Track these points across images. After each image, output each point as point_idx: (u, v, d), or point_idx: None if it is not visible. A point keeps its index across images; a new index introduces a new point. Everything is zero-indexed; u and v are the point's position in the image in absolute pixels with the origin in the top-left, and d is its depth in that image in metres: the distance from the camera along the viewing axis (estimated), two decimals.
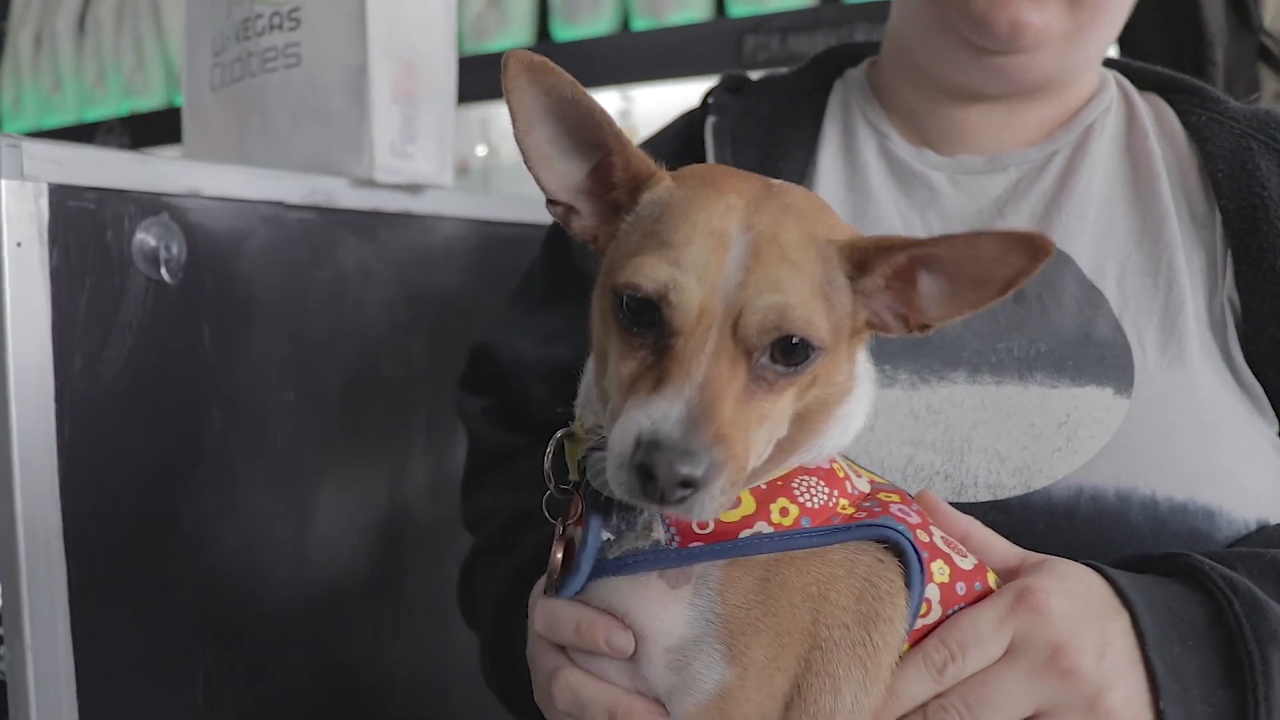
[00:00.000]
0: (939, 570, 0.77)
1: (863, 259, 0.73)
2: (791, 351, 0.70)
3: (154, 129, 3.87)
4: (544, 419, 1.19)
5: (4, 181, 1.15)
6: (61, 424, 1.22)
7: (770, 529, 0.75)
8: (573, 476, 0.83)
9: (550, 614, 0.82)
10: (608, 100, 4.90)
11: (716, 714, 0.74)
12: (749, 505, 0.75)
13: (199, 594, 1.37)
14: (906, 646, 0.76)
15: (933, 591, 0.76)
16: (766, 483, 0.77)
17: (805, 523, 0.75)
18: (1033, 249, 0.68)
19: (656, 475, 0.65)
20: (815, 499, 0.77)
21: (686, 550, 0.75)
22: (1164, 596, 0.81)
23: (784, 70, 1.25)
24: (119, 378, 1.27)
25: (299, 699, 1.50)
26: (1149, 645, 0.77)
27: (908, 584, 0.76)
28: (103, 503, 1.26)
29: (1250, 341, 0.98)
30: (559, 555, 0.81)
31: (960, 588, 0.78)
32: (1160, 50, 1.54)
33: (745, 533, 0.75)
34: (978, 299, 0.73)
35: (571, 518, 0.83)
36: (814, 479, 0.78)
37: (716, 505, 0.68)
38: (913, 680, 0.75)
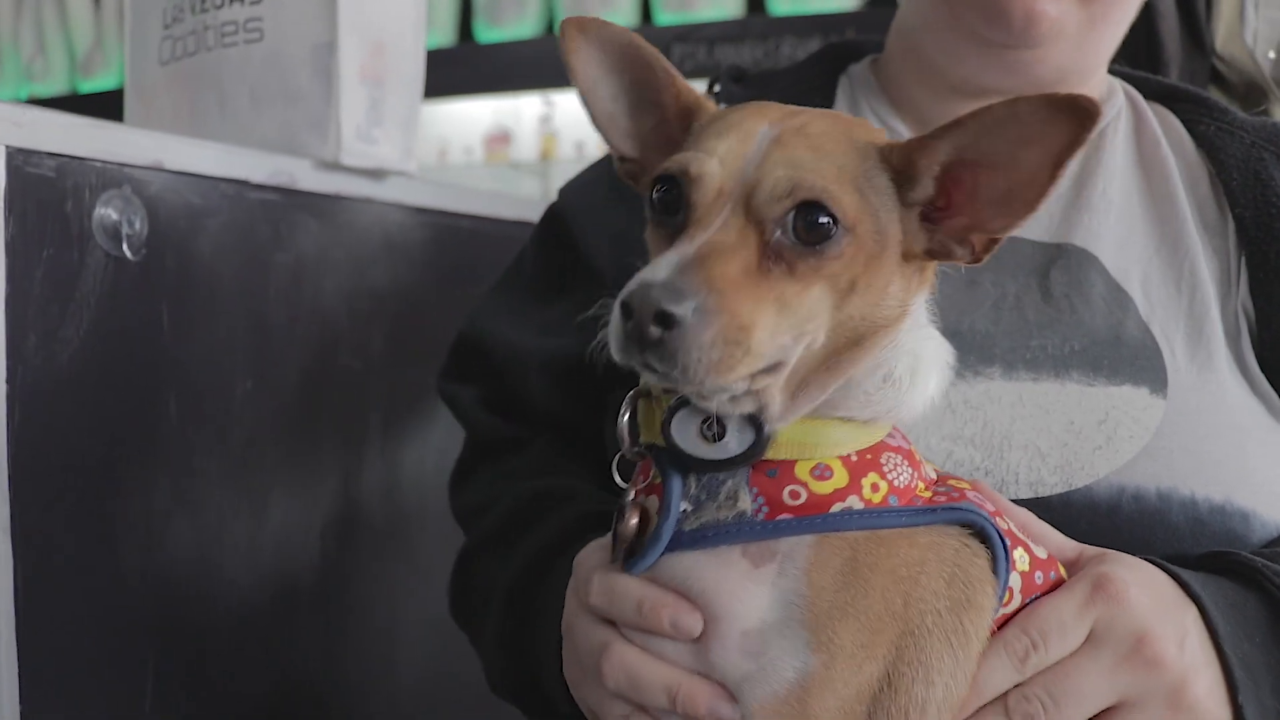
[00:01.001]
0: (1020, 558, 0.76)
1: (904, 157, 0.72)
2: (813, 228, 0.68)
3: None
4: (541, 411, 1.15)
5: None
6: (12, 407, 1.13)
7: (861, 505, 0.72)
8: (645, 439, 0.78)
9: (609, 587, 0.77)
10: (530, 104, 4.86)
11: (796, 705, 0.69)
12: (841, 478, 0.72)
13: (151, 592, 1.28)
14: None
15: (1015, 580, 0.75)
16: (857, 454, 0.74)
17: (892, 501, 0.73)
18: (1077, 110, 0.67)
19: (633, 310, 0.64)
20: (901, 478, 0.75)
21: (774, 523, 0.71)
22: (1224, 593, 0.80)
23: (784, 65, 1.24)
24: (75, 359, 1.19)
25: (250, 702, 1.42)
26: (1222, 640, 0.77)
27: (994, 571, 0.73)
28: (53, 493, 1.17)
29: (1266, 348, 0.99)
30: (633, 522, 0.75)
31: (1039, 577, 0.76)
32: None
33: (837, 506, 0.72)
34: (1034, 193, 0.71)
35: (640, 484, 0.78)
36: (899, 457, 0.76)
37: (707, 362, 0.64)
38: (994, 670, 0.73)
